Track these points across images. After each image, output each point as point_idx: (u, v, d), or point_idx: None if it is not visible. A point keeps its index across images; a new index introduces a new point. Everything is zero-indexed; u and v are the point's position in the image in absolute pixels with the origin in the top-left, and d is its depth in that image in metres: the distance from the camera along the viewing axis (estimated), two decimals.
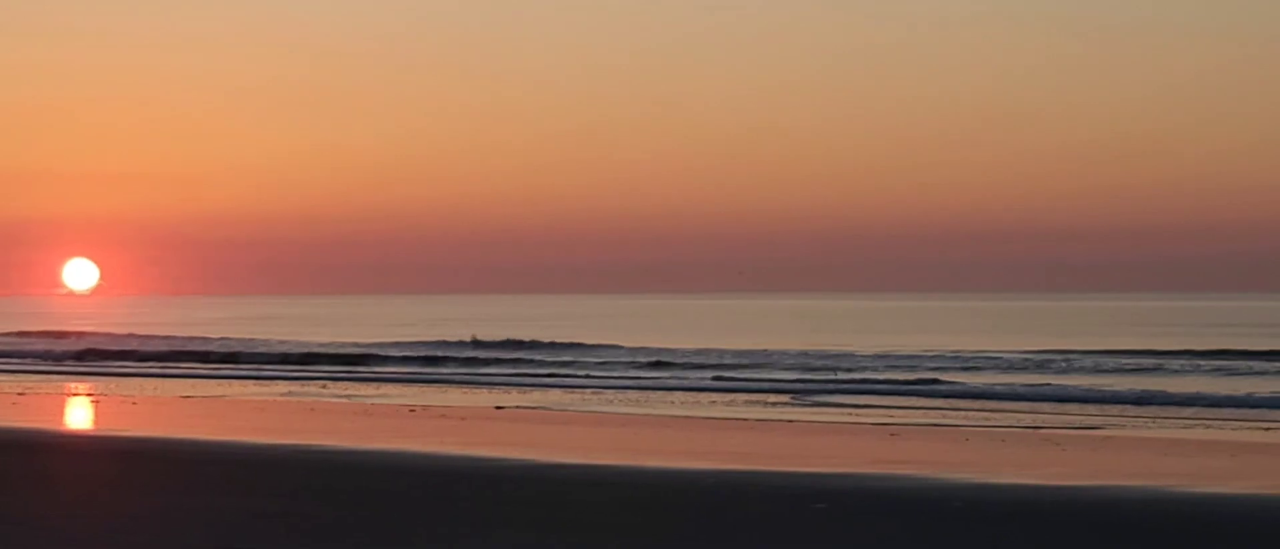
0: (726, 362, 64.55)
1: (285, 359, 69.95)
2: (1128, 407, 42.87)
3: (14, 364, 67.20)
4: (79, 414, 40.70)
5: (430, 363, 67.05)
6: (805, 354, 68.63)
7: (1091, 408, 42.48)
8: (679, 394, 48.84)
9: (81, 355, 71.89)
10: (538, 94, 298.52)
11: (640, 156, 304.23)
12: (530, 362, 66.51)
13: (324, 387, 52.28)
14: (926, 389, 50.38)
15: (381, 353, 71.74)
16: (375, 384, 53.88)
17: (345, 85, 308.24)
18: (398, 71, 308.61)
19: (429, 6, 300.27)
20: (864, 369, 59.91)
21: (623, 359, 67.47)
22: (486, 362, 67.08)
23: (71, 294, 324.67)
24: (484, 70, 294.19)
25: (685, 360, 64.86)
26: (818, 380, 54.71)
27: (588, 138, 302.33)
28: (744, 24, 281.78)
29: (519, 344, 76.45)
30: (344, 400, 44.38)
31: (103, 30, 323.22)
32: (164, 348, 77.71)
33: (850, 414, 39.71)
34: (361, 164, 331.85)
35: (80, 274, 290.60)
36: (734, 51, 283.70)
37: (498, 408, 40.61)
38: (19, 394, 46.30)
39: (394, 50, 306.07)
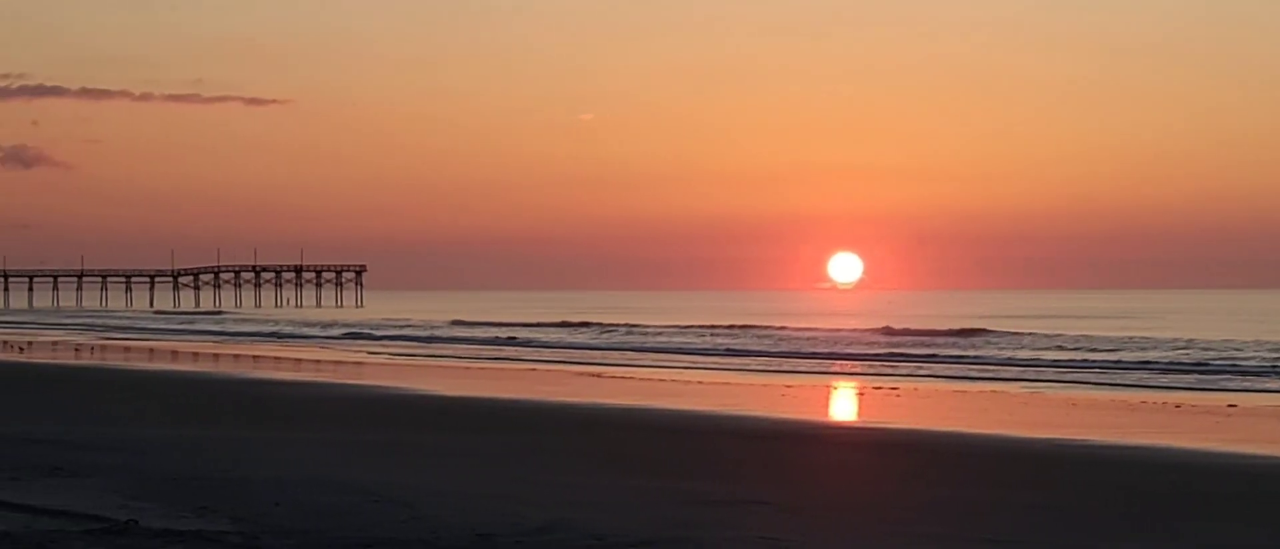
0: None
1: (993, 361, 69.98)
2: None
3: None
4: (848, 405, 42.37)
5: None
6: None
7: None
8: None
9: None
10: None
11: None
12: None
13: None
14: None
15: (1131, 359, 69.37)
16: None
17: (1118, 82, 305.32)
18: (1154, 69, 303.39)
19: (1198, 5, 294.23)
20: None
21: None
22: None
23: (834, 288, 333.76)
24: (1236, 66, 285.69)
25: None
26: None
27: None
28: None
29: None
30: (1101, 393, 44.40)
31: (869, 27, 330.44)
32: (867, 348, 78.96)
33: None
34: (1120, 159, 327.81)
35: (844, 268, 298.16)
36: None
37: (1230, 406, 39.83)
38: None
39: (1157, 47, 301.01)
